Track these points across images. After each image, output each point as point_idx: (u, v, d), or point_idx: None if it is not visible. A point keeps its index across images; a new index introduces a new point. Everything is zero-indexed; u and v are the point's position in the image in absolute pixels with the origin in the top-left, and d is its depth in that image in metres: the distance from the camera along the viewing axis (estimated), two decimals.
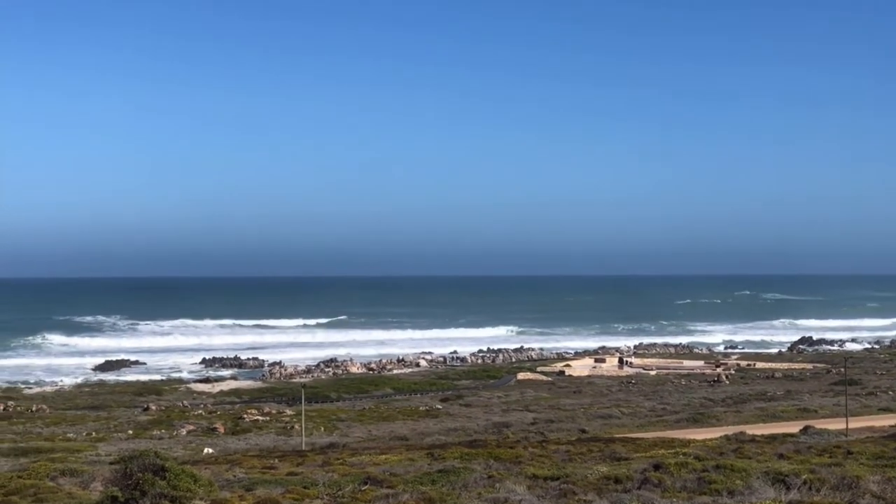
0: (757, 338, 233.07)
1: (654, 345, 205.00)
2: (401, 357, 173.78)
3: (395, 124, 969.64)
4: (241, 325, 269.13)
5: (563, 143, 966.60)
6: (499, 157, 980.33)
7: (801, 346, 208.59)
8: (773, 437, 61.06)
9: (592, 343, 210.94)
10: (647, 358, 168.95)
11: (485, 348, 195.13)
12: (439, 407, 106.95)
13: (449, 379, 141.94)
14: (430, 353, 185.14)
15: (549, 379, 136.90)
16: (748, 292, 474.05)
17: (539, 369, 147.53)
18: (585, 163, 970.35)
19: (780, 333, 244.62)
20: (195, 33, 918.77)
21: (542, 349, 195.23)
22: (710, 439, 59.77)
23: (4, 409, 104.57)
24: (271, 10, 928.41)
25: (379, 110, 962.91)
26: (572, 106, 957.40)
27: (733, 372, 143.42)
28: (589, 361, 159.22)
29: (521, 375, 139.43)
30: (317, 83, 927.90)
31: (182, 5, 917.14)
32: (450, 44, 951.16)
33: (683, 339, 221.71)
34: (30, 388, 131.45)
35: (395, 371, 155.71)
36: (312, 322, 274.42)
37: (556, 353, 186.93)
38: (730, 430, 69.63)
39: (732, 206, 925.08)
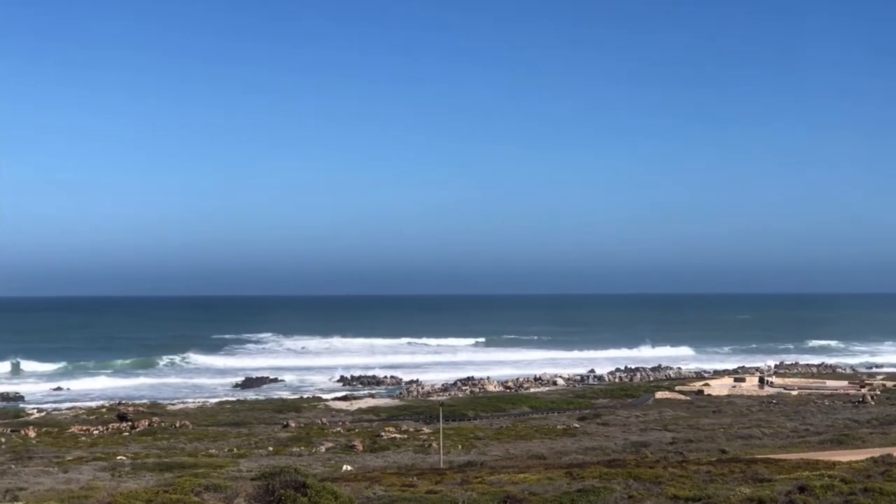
0: None
1: (796, 364, 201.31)
2: (538, 375, 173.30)
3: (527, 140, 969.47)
4: (380, 343, 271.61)
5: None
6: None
7: None
8: None
9: (732, 363, 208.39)
10: (789, 377, 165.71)
11: (622, 367, 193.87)
12: (577, 426, 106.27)
13: (586, 397, 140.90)
14: (567, 371, 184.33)
15: (688, 398, 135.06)
16: None
17: (677, 388, 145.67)
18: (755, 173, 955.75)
19: None
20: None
21: (680, 368, 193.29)
22: (856, 461, 58.20)
23: (149, 425, 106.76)
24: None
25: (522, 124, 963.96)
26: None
27: (879, 392, 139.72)
28: (728, 381, 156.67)
29: (659, 394, 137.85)
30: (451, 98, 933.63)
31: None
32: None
33: (829, 359, 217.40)
34: (173, 404, 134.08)
35: (532, 389, 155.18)
36: (460, 342, 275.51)
37: (695, 372, 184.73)
38: (876, 453, 67.72)
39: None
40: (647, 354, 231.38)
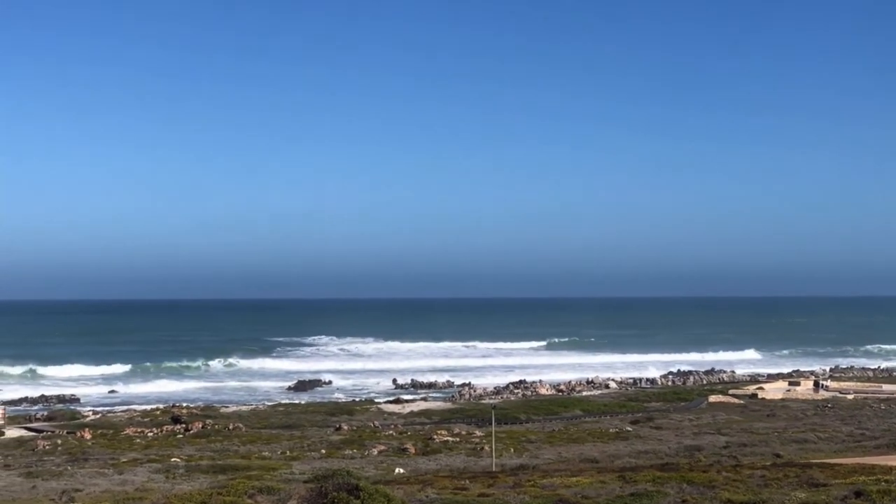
0: None
1: (852, 368, 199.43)
2: (590, 378, 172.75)
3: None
4: (434, 347, 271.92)
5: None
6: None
7: None
8: None
9: (786, 366, 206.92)
10: (844, 381, 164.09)
11: (675, 370, 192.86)
12: (629, 429, 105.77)
13: (639, 401, 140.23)
14: (620, 374, 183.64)
15: (742, 402, 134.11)
16: None
17: (731, 392, 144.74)
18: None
19: None
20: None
21: (734, 371, 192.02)
22: None
23: (203, 428, 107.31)
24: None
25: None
26: None
27: None
28: (782, 384, 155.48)
29: (712, 398, 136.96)
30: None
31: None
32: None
33: (887, 363, 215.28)
34: (226, 406, 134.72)
35: (584, 392, 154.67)
36: (515, 345, 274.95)
37: (749, 376, 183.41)
38: None
39: None
40: (710, 358, 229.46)
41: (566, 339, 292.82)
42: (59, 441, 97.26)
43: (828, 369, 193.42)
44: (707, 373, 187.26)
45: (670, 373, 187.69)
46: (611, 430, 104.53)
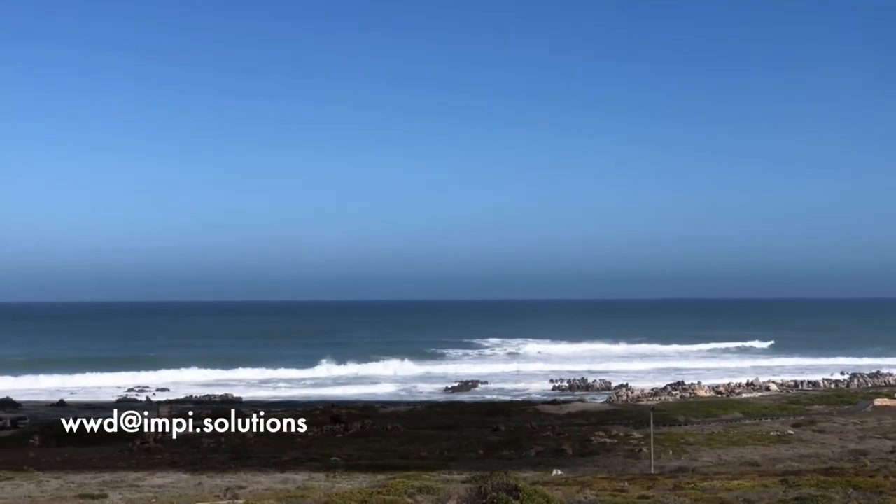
0: None
1: None
2: (750, 381, 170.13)
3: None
4: (591, 348, 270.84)
5: None
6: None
7: None
8: None
9: None
10: None
11: (839, 373, 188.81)
12: (791, 432, 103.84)
13: (800, 404, 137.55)
14: (780, 377, 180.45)
15: None
16: None
17: None
18: None
19: None
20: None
21: None
22: None
23: (362, 427, 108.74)
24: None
25: None
26: None
27: None
28: None
29: (877, 401, 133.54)
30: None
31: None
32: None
33: None
34: (385, 407, 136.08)
35: (743, 395, 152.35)
36: (678, 349, 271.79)
37: None
38: None
39: None
40: (879, 361, 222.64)
41: (727, 343, 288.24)
42: (223, 439, 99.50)
43: None
44: (872, 375, 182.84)
45: (833, 375, 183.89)
46: (771, 433, 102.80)
